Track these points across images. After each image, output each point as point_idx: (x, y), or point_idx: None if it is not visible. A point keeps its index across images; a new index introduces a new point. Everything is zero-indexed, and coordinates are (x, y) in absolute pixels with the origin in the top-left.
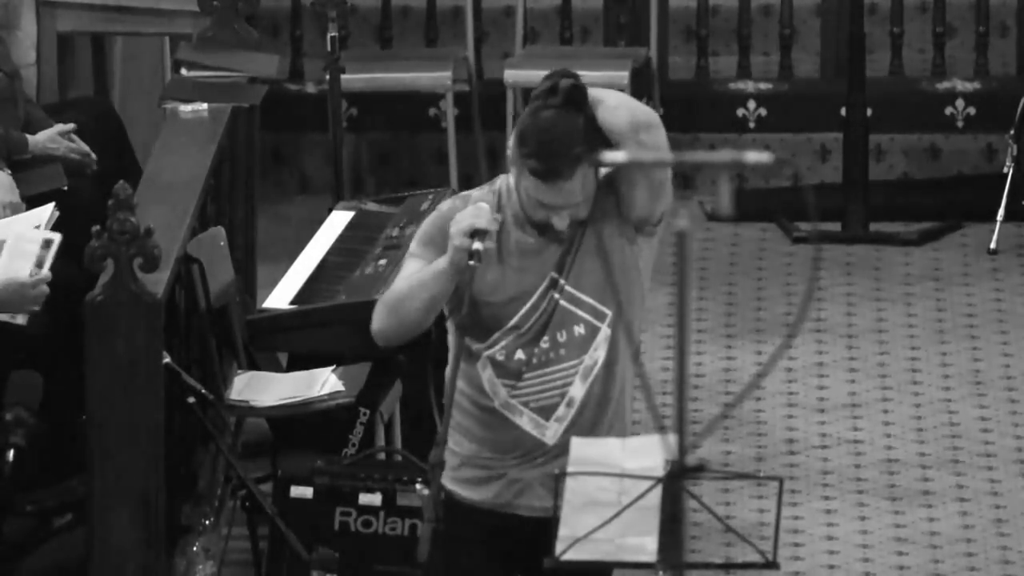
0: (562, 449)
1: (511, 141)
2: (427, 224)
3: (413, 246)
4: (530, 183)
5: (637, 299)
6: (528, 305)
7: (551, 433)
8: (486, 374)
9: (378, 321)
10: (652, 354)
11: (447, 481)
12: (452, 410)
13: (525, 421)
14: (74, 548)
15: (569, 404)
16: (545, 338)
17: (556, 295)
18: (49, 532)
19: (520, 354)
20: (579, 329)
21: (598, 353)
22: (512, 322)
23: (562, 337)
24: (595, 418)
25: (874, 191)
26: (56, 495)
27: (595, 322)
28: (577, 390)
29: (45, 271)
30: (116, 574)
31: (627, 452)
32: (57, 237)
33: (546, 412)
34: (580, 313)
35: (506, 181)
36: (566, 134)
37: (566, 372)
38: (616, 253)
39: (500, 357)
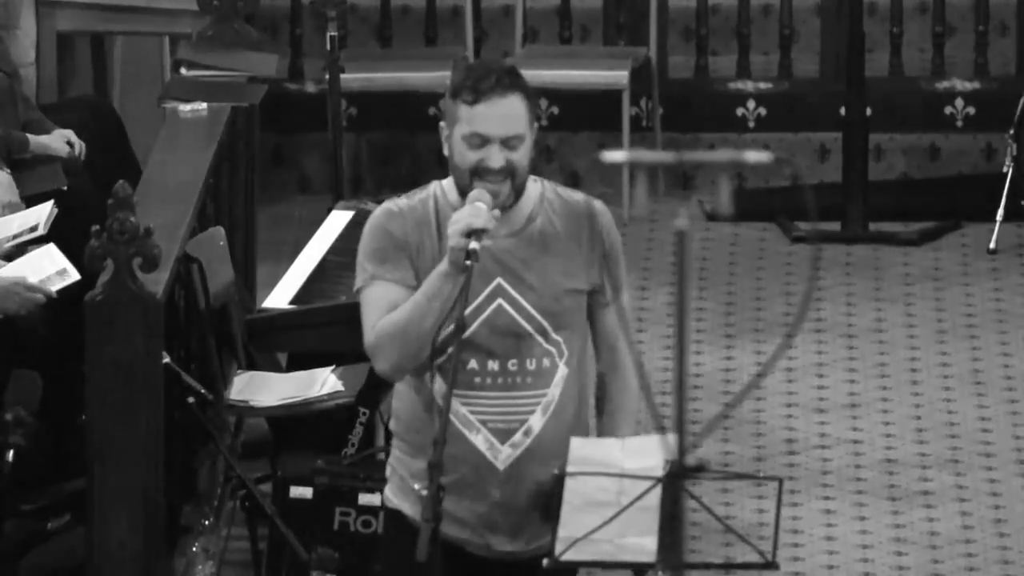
0: (513, 481)
1: (443, 106)
2: (371, 242)
3: (370, 269)
4: (465, 122)
5: (583, 341)
6: (472, 307)
7: (504, 457)
8: (436, 387)
9: (386, 357)
10: (652, 354)
11: (413, 511)
12: (396, 445)
13: (480, 440)
14: (73, 548)
15: (527, 433)
16: (513, 361)
17: (502, 302)
18: (47, 532)
19: (473, 363)
20: (545, 362)
21: (556, 390)
22: (456, 324)
23: (531, 365)
24: (547, 453)
25: (874, 191)
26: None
27: (555, 356)
28: (536, 421)
29: (50, 289)
30: (116, 574)
31: (627, 452)
32: (75, 276)
33: (503, 435)
34: (528, 328)
35: (439, 185)
36: (498, 62)
37: (529, 401)
38: (569, 282)
39: (449, 365)
